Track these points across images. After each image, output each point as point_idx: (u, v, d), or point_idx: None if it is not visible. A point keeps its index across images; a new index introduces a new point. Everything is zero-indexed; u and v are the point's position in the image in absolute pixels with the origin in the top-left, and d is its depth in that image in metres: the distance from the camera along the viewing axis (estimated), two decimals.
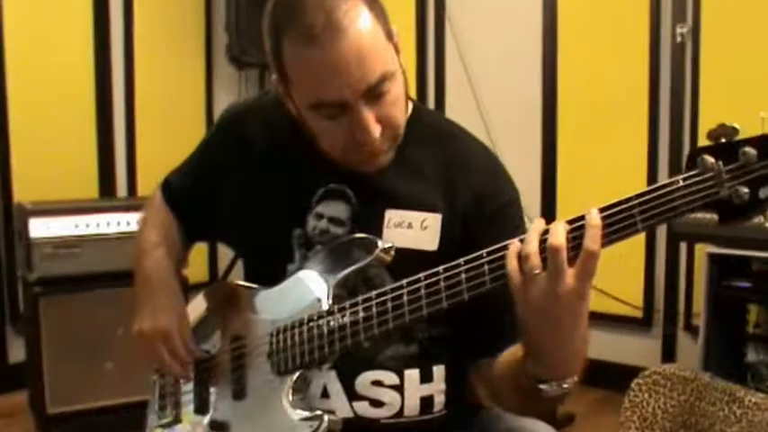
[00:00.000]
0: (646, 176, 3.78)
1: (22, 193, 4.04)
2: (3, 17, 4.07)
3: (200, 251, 4.28)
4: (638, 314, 4.01)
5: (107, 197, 4.43)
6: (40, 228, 3.49)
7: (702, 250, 3.37)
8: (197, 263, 3.76)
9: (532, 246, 1.19)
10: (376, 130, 1.40)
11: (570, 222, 1.19)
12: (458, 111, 4.37)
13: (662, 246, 3.91)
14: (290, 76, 1.41)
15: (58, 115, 4.32)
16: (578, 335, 1.23)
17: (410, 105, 1.60)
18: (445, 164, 1.56)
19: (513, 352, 1.41)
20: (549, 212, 4.12)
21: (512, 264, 1.20)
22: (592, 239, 1.15)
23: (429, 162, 1.56)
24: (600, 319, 4.07)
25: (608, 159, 3.84)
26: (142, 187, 4.57)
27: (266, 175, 1.61)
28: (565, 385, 1.30)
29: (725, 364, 3.31)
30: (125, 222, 3.59)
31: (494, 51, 4.36)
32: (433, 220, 1.51)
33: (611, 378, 3.58)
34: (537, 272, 1.18)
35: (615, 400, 3.23)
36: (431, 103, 4.55)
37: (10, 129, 4.15)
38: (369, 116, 1.39)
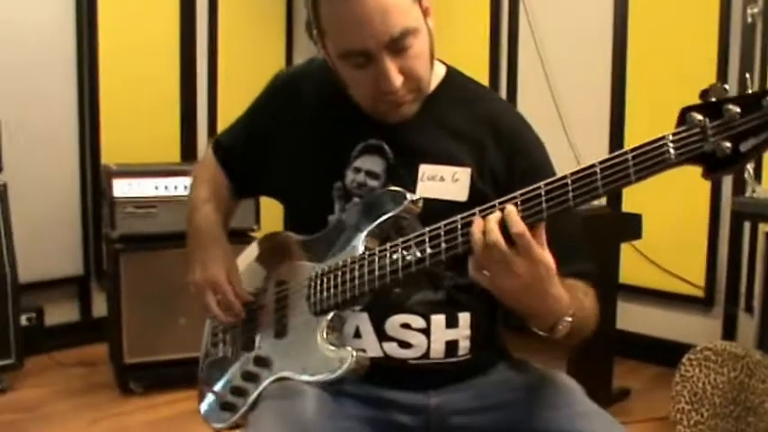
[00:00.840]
0: None
1: (109, 156, 4.28)
2: None
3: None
4: (700, 294, 4.01)
5: (188, 162, 4.61)
6: (122, 188, 3.69)
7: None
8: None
9: (482, 252, 1.34)
10: (398, 79, 1.53)
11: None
12: (530, 96, 4.44)
13: (725, 226, 3.90)
14: (324, 26, 1.55)
15: (144, 84, 4.54)
16: (549, 286, 1.37)
17: (443, 68, 1.73)
18: (476, 123, 1.67)
19: None
20: (616, 197, 4.16)
21: (473, 268, 1.37)
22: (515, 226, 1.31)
23: (461, 121, 1.68)
24: (661, 297, 4.12)
25: None
26: None
27: (312, 133, 1.74)
28: (562, 327, 1.42)
29: None
30: None
31: (566, 34, 4.39)
32: (464, 174, 1.62)
33: (669, 356, 3.60)
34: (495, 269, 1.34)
35: (672, 378, 3.26)
36: (503, 89, 4.60)
37: (100, 97, 4.38)
38: (391, 66, 1.51)
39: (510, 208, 1.33)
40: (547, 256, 1.34)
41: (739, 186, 3.77)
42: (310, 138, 1.74)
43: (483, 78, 4.31)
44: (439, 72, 1.72)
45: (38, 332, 4.14)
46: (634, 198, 4.02)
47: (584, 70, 4.35)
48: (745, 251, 3.87)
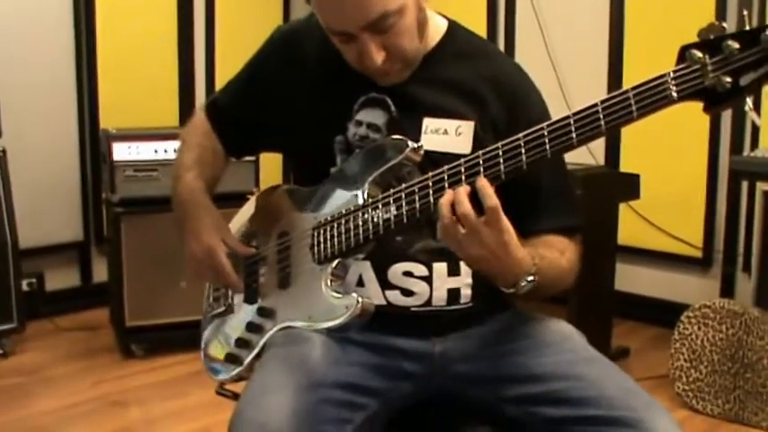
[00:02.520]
0: (708, 117, 3.79)
1: (107, 121, 4.26)
2: None
3: None
4: (698, 254, 4.02)
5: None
6: (122, 151, 3.70)
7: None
8: None
9: (451, 224, 1.39)
10: (378, 58, 1.55)
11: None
12: (527, 53, 4.43)
13: (723, 186, 3.91)
14: (312, 4, 1.57)
15: (141, 48, 4.53)
16: (511, 251, 1.41)
17: (445, 23, 1.73)
18: (478, 77, 1.68)
19: None
20: (613, 156, 4.19)
21: (441, 236, 1.42)
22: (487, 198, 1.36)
23: (463, 75, 1.68)
24: (659, 257, 4.14)
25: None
26: None
27: (313, 87, 1.74)
28: (525, 286, 1.47)
29: None
30: None
31: None
32: (467, 127, 1.63)
33: (668, 316, 3.64)
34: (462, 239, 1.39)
35: (670, 338, 3.30)
36: (500, 40, 4.60)
37: (98, 61, 4.37)
38: (371, 46, 1.53)
39: (484, 181, 1.37)
40: (509, 224, 1.38)
41: (737, 145, 3.79)
42: (311, 92, 1.74)
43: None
44: (440, 27, 1.73)
45: (39, 297, 4.17)
46: (632, 158, 4.03)
47: (580, 17, 4.34)
48: (742, 211, 3.87)
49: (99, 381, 3.53)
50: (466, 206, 1.36)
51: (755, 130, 3.71)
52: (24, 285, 3.94)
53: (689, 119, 3.77)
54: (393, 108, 1.67)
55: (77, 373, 3.62)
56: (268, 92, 1.81)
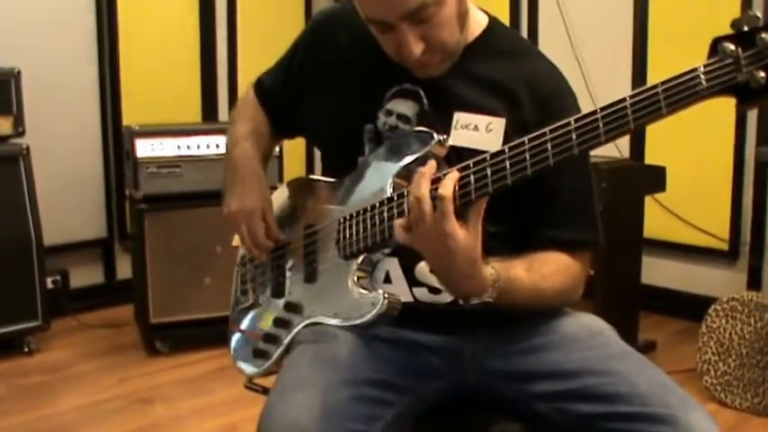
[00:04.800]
0: (734, 113, 3.76)
1: (130, 117, 4.26)
2: None
3: None
4: (724, 246, 3.98)
5: (209, 121, 4.63)
6: (145, 148, 3.70)
7: None
8: None
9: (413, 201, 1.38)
10: (416, 49, 1.52)
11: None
12: (550, 47, 4.37)
13: (750, 177, 3.86)
14: None
15: (163, 44, 4.54)
16: (459, 262, 1.39)
17: (486, 19, 1.71)
18: (514, 77, 1.65)
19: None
20: (639, 149, 4.15)
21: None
22: (443, 187, 1.35)
23: (499, 73, 1.65)
24: (685, 250, 4.10)
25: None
26: None
27: (346, 74, 1.73)
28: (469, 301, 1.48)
29: None
30: (224, 144, 3.74)
31: None
32: (498, 124, 1.60)
33: (695, 309, 3.62)
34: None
35: (697, 331, 3.28)
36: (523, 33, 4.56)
37: (120, 58, 4.38)
38: (409, 37, 1.50)
39: (454, 173, 1.36)
40: (460, 234, 1.36)
41: (764, 136, 3.74)
42: (345, 79, 1.73)
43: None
44: (481, 22, 1.70)
45: (63, 295, 4.17)
46: (657, 150, 4.00)
47: (604, 10, 4.31)
48: None
49: (124, 378, 3.54)
50: (423, 190, 1.37)
51: None
52: (49, 283, 3.94)
53: (715, 110, 3.72)
54: (425, 100, 1.65)
55: (102, 371, 3.63)
56: (304, 76, 1.80)
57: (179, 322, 3.77)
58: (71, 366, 3.68)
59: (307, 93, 1.79)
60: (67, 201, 4.26)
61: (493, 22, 1.72)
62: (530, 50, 1.76)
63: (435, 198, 1.35)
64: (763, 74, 1.16)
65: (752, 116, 3.79)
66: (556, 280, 1.58)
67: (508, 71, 1.65)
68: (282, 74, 1.87)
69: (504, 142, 1.56)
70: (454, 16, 1.55)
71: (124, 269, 4.43)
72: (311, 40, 1.82)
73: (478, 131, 1.60)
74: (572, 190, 1.62)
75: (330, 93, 1.74)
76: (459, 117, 1.62)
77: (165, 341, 3.78)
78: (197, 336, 3.71)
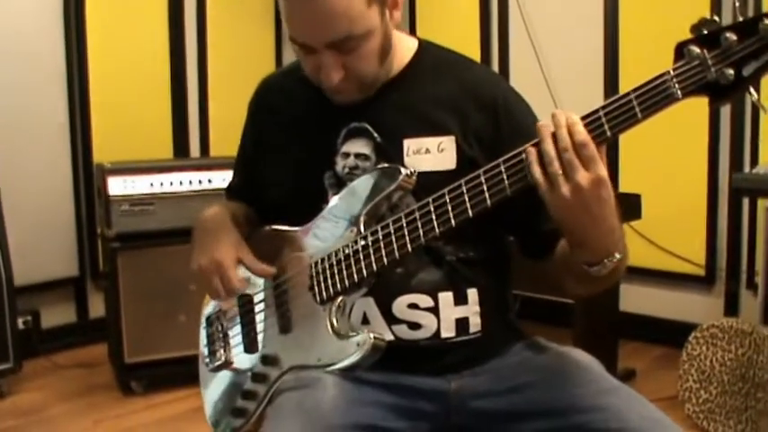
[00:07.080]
0: (707, 135, 3.80)
1: (101, 155, 4.21)
2: None
3: None
4: (701, 272, 4.00)
5: (181, 157, 4.59)
6: (117, 186, 3.64)
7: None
8: None
9: (553, 149, 1.31)
10: (336, 76, 1.54)
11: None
12: (522, 74, 4.41)
13: (724, 203, 3.89)
14: (280, 7, 1.55)
15: (134, 81, 4.48)
16: (608, 212, 1.35)
17: (415, 43, 1.72)
18: (453, 90, 1.65)
19: (563, 245, 1.53)
20: (613, 177, 4.14)
21: (536, 170, 1.33)
22: (578, 134, 1.29)
23: (438, 90, 1.65)
24: (662, 277, 4.11)
25: (669, 116, 3.80)
26: (214, 147, 4.76)
27: (296, 131, 1.73)
28: (609, 263, 1.41)
29: None
30: (197, 181, 3.74)
31: (556, 8, 4.39)
32: (449, 142, 1.60)
33: (672, 336, 3.63)
34: (561, 172, 1.30)
35: (676, 358, 3.27)
36: (495, 64, 4.60)
37: (90, 95, 4.33)
38: (329, 63, 1.53)
39: (575, 118, 1.32)
40: (607, 180, 1.32)
41: (737, 163, 3.77)
42: (295, 137, 1.73)
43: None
44: (411, 47, 1.71)
45: (35, 335, 4.10)
46: (632, 178, 4.01)
47: (573, 36, 4.33)
48: (744, 228, 3.85)
49: (99, 420, 3.47)
50: (567, 139, 1.31)
51: (755, 146, 3.70)
52: (20, 323, 3.87)
53: (688, 137, 3.81)
54: (375, 134, 1.64)
55: (77, 413, 3.55)
56: (259, 149, 1.81)
57: (154, 361, 3.70)
58: (44, 409, 3.60)
59: (264, 163, 1.78)
60: (38, 239, 4.19)
61: (423, 43, 1.74)
62: (464, 61, 1.76)
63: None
64: (731, 71, 1.23)
65: (724, 142, 3.81)
66: None
67: (448, 85, 1.66)
68: (241, 161, 1.91)
69: (459, 157, 1.60)
70: (377, 51, 1.57)
71: (97, 308, 4.37)
72: (255, 115, 1.85)
73: (431, 153, 1.61)
74: None
75: (286, 154, 1.74)
76: (410, 144, 1.62)
77: (140, 381, 3.72)
78: (172, 375, 3.64)
